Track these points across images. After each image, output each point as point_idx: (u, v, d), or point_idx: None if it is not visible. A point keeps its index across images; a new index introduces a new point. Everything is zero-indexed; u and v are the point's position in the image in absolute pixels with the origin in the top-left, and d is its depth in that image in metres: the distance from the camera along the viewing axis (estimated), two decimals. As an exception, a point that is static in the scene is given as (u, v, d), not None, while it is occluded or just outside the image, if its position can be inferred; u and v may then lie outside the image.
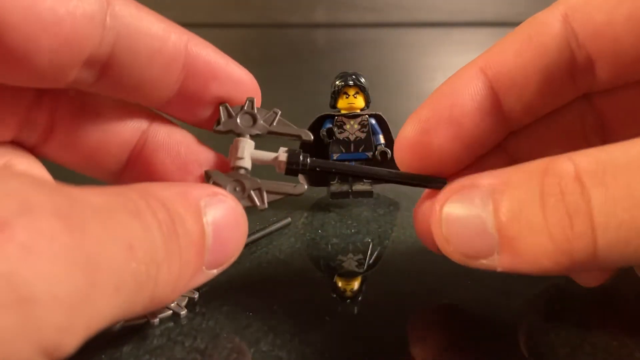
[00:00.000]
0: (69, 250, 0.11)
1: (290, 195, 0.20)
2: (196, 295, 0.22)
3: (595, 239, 0.15)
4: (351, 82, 0.30)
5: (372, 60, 0.75)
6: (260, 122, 0.21)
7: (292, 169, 0.20)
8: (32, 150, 0.20)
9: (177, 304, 0.21)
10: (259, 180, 0.20)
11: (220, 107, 0.20)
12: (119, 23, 0.18)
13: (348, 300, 0.23)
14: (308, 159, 0.21)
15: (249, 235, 0.27)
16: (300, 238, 0.28)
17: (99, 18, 0.17)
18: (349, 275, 0.25)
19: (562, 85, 0.20)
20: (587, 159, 0.16)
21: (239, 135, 0.21)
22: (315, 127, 0.31)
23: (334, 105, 0.31)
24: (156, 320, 0.21)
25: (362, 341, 0.20)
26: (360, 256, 0.26)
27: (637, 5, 0.18)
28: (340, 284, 0.24)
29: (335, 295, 0.23)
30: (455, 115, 0.20)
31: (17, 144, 0.20)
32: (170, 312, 0.21)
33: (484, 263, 0.17)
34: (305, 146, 0.31)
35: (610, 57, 0.19)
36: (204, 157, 0.21)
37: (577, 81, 0.20)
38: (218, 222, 0.17)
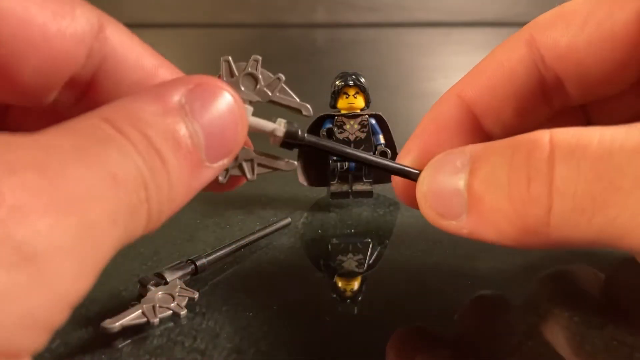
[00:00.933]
0: (56, 199, 0.12)
1: (281, 170, 0.20)
2: (196, 295, 0.22)
3: (551, 204, 0.15)
4: (351, 82, 0.30)
5: (372, 60, 0.75)
6: (263, 87, 0.19)
7: (288, 142, 0.19)
8: (67, 110, 0.19)
9: (177, 304, 0.21)
10: (251, 152, 0.19)
11: (222, 62, 0.19)
12: (107, 48, 0.17)
13: (348, 300, 0.23)
14: (305, 135, 0.20)
15: (249, 235, 0.27)
16: (300, 238, 0.28)
17: (88, 40, 0.17)
18: (349, 275, 0.25)
19: (536, 105, 0.21)
20: (564, 132, 0.16)
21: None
22: (315, 127, 0.31)
23: (334, 105, 0.31)
24: (156, 320, 0.21)
25: (362, 341, 0.20)
26: (360, 256, 0.26)
27: (598, 32, 0.19)
28: (340, 284, 0.24)
29: (335, 295, 0.23)
30: (444, 139, 0.21)
31: None
32: (170, 312, 0.21)
33: (453, 224, 0.18)
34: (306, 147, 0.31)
35: (576, 79, 0.20)
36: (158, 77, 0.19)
37: (551, 99, 0.21)
38: (206, 115, 0.15)
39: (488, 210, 0.17)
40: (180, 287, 0.22)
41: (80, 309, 0.21)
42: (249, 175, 0.19)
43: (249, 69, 0.19)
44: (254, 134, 0.19)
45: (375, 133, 0.31)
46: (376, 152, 0.31)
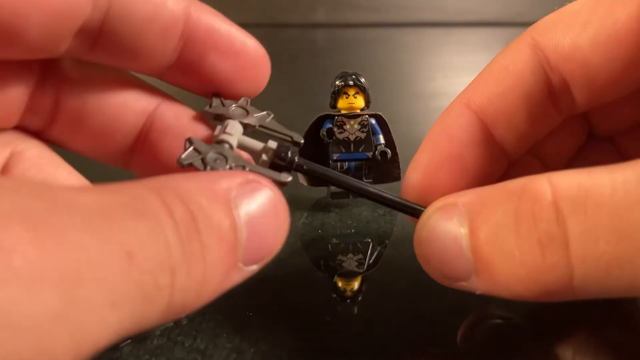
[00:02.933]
0: (36, 265, 0.10)
1: (275, 181, 0.18)
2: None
3: (572, 270, 0.14)
4: (351, 82, 0.30)
5: (372, 60, 0.75)
6: (253, 116, 0.19)
7: (276, 163, 0.18)
8: (37, 135, 0.19)
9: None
10: (243, 160, 0.18)
11: (213, 97, 0.19)
12: None
13: (348, 300, 0.23)
14: (296, 157, 0.19)
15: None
16: (300, 238, 0.28)
17: None
18: (349, 275, 0.25)
19: (545, 110, 0.20)
20: (567, 181, 0.15)
21: (229, 119, 0.19)
22: (315, 127, 0.31)
23: (334, 105, 0.31)
24: (156, 320, 0.21)
25: (362, 341, 0.20)
26: (360, 256, 0.26)
27: (601, 31, 0.18)
28: (340, 284, 0.24)
29: (335, 295, 0.23)
30: (455, 150, 0.20)
31: (22, 129, 0.19)
32: (170, 312, 0.21)
33: (464, 285, 0.17)
34: (305, 146, 0.31)
35: (582, 80, 0.19)
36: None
37: (558, 104, 0.20)
38: (252, 213, 0.14)
39: (500, 275, 0.16)
40: (180, 287, 0.22)
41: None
42: None
43: (240, 102, 0.19)
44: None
45: (375, 133, 0.31)
46: (376, 152, 0.31)
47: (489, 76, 0.20)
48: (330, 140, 0.31)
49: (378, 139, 0.31)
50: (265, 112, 0.20)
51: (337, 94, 0.30)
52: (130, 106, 0.19)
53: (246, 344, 0.20)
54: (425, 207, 0.19)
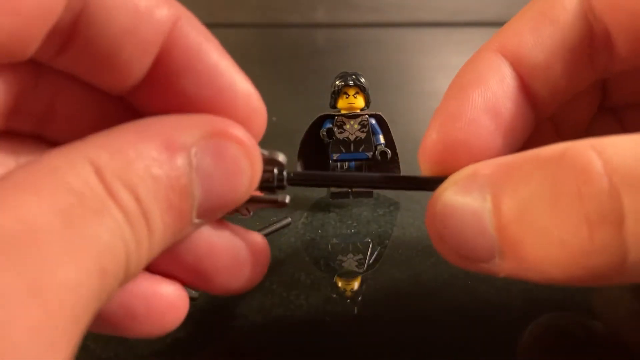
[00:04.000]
0: (8, 285, 0.09)
1: (275, 203, 0.18)
2: (196, 295, 0.22)
3: (626, 252, 0.12)
4: (351, 82, 0.30)
5: (372, 60, 0.75)
6: None
7: (266, 187, 0.17)
8: (48, 62, 0.16)
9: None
10: None
11: None
12: None
13: (348, 300, 0.23)
14: (285, 173, 0.17)
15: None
16: (300, 238, 0.28)
17: None
18: (349, 275, 0.25)
19: (583, 65, 0.18)
20: (618, 150, 0.13)
21: None
22: (315, 127, 0.31)
23: (334, 105, 0.31)
24: (156, 320, 0.21)
25: (362, 341, 0.20)
26: (360, 256, 0.26)
27: None
28: (340, 284, 0.24)
29: (335, 295, 0.23)
30: (490, 102, 0.17)
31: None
32: (170, 312, 0.21)
33: (485, 267, 0.15)
34: (306, 146, 0.31)
35: (628, 32, 0.17)
36: (237, 86, 0.16)
37: (596, 61, 0.18)
38: (211, 176, 0.13)
39: (532, 256, 0.14)
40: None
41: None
42: (244, 214, 0.18)
43: None
44: None
45: (375, 133, 0.31)
46: (376, 152, 0.31)
47: (524, 22, 0.17)
48: (330, 140, 0.31)
49: (378, 139, 0.31)
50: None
51: (337, 94, 0.30)
52: (146, 19, 0.15)
53: (246, 344, 0.20)
54: (441, 178, 0.16)
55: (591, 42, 0.17)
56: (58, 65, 0.16)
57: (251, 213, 0.18)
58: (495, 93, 0.17)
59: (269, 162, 0.17)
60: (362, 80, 0.30)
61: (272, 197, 0.17)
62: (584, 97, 0.20)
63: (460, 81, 0.18)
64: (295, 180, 0.17)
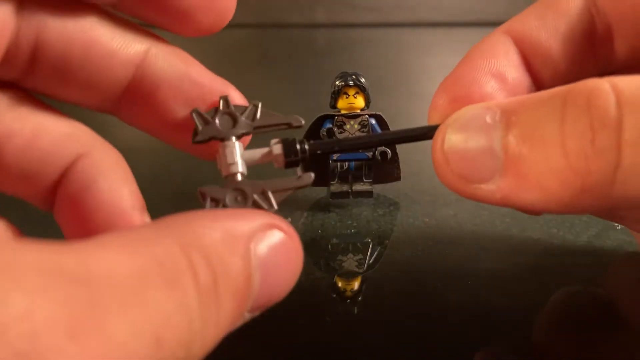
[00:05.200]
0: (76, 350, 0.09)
1: (299, 187, 0.18)
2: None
3: (620, 159, 0.13)
4: (351, 82, 0.30)
5: (372, 60, 0.75)
6: (242, 119, 0.18)
7: (291, 160, 0.18)
8: (14, 83, 0.17)
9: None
10: (260, 182, 0.18)
11: (193, 114, 0.18)
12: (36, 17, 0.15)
13: (348, 300, 0.23)
14: (306, 145, 0.18)
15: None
16: (300, 238, 0.28)
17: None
18: (349, 275, 0.25)
19: (584, 54, 0.19)
20: (627, 81, 0.14)
21: (223, 140, 0.18)
22: (315, 127, 0.31)
23: (334, 105, 0.31)
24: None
25: (362, 341, 0.20)
26: (360, 256, 0.26)
27: None
28: (340, 284, 0.24)
29: (335, 295, 0.23)
30: (495, 68, 0.18)
31: None
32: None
33: (482, 188, 0.16)
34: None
35: (629, 27, 0.18)
36: (213, 90, 0.18)
37: (598, 53, 0.19)
38: (268, 263, 0.14)
39: (533, 170, 0.14)
40: (180, 287, 0.22)
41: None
42: (267, 208, 0.18)
43: (221, 109, 0.18)
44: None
45: (375, 133, 0.31)
46: (376, 152, 0.31)
47: (532, 9, 0.19)
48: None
49: (378, 139, 0.31)
50: (251, 105, 0.18)
51: (337, 94, 0.30)
52: (117, 57, 0.17)
53: (246, 344, 0.20)
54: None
55: (593, 34, 0.18)
56: (26, 84, 0.16)
57: (276, 205, 0.18)
58: (500, 61, 0.19)
59: (285, 126, 0.18)
60: (362, 80, 0.30)
61: (293, 182, 0.18)
62: None
63: (468, 54, 0.19)
64: (316, 152, 0.18)
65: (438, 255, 0.26)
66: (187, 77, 0.17)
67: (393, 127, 0.31)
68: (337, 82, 0.31)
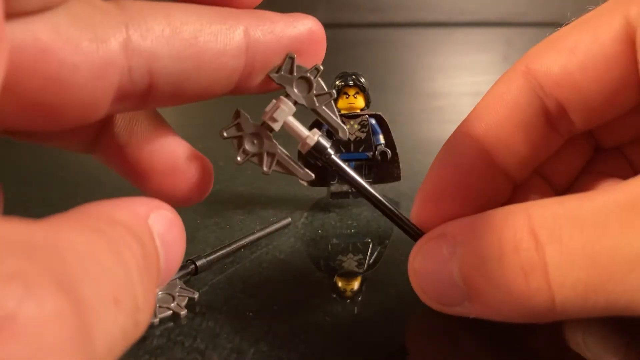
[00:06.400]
0: (74, 332, 0.10)
1: (297, 177, 0.20)
2: (196, 295, 0.22)
3: (553, 296, 0.15)
4: (351, 82, 0.30)
5: (372, 60, 0.75)
6: (313, 95, 0.20)
7: (313, 154, 0.20)
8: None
9: (177, 304, 0.21)
10: (278, 148, 0.20)
11: (287, 57, 0.19)
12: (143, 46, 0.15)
13: (348, 300, 0.23)
14: (332, 155, 0.20)
15: (249, 235, 0.27)
16: (300, 238, 0.28)
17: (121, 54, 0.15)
18: (349, 275, 0.25)
19: (545, 134, 0.20)
20: (542, 212, 0.16)
21: (286, 96, 0.19)
22: (315, 127, 0.31)
23: (334, 105, 0.31)
24: (156, 320, 0.21)
25: (362, 341, 0.20)
26: (360, 256, 0.26)
27: (588, 55, 0.18)
28: (340, 284, 0.24)
29: (335, 295, 0.23)
30: (458, 178, 0.20)
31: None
32: (171, 312, 0.21)
33: (459, 310, 0.18)
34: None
35: (577, 104, 0.19)
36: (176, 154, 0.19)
37: (558, 127, 0.20)
38: (165, 240, 0.15)
39: (491, 302, 0.17)
40: (180, 287, 0.22)
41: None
42: (265, 168, 0.20)
43: (308, 74, 0.19)
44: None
45: (375, 133, 0.31)
46: (376, 152, 0.31)
47: (485, 105, 0.20)
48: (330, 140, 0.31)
49: (378, 139, 0.31)
50: (328, 92, 0.20)
51: (337, 94, 0.30)
52: (226, 53, 0.17)
53: (246, 344, 0.20)
54: (424, 232, 0.20)
55: (547, 114, 0.20)
56: (145, 106, 0.17)
57: (271, 171, 0.20)
58: (463, 169, 0.20)
59: (332, 129, 0.20)
60: (362, 80, 0.30)
61: (298, 170, 0.20)
62: (569, 150, 0.22)
63: (435, 162, 0.21)
64: (330, 166, 0.21)
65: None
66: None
67: (393, 127, 0.31)
68: (337, 82, 0.31)
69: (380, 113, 0.31)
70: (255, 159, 0.20)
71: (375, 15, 0.98)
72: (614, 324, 0.20)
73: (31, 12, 0.13)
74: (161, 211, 0.15)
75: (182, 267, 0.23)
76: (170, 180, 0.19)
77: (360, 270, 0.25)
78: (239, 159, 0.19)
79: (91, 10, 0.14)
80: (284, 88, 0.19)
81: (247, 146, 0.19)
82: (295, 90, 0.19)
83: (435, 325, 0.21)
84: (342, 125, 0.20)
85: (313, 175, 0.20)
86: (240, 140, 0.19)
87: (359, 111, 0.31)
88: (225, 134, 0.19)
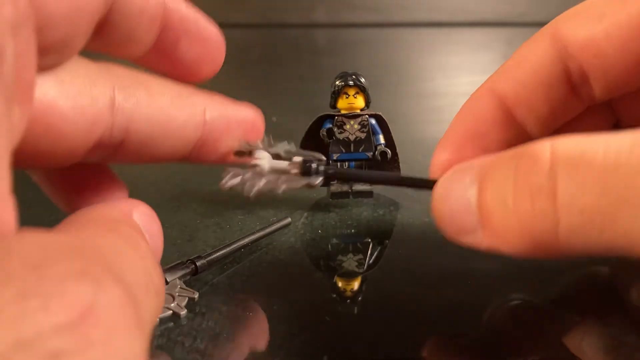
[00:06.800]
0: (133, 315, 0.12)
1: (307, 184, 0.20)
2: (196, 295, 0.22)
3: (558, 219, 0.15)
4: (351, 82, 0.30)
5: (372, 60, 0.75)
6: (276, 146, 0.21)
7: (307, 169, 0.20)
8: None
9: (177, 304, 0.21)
10: (277, 174, 0.20)
11: (240, 142, 0.20)
12: None
13: (348, 300, 0.23)
14: (322, 167, 0.20)
15: (249, 235, 0.27)
16: (300, 238, 0.28)
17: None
18: (349, 275, 0.25)
19: (566, 98, 0.21)
20: (566, 143, 0.16)
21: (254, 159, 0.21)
22: (315, 127, 0.31)
23: (334, 105, 0.31)
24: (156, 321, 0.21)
25: (362, 341, 0.20)
26: (360, 256, 0.26)
27: (614, 23, 0.19)
28: (340, 284, 0.24)
29: (335, 295, 0.23)
30: (481, 129, 0.21)
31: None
32: (171, 312, 0.21)
33: (470, 240, 0.18)
34: (306, 146, 0.31)
35: (599, 71, 0.20)
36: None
37: (578, 93, 0.21)
38: (148, 232, 0.17)
39: (498, 226, 0.17)
40: (180, 287, 0.22)
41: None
42: (275, 190, 0.20)
43: (263, 141, 0.21)
44: None
45: (375, 133, 0.31)
46: (376, 152, 0.31)
47: (512, 63, 0.21)
48: (330, 140, 0.31)
49: (378, 139, 0.31)
50: (285, 142, 0.21)
51: (337, 94, 0.30)
52: (189, 123, 0.19)
53: (246, 344, 0.20)
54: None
55: (569, 78, 0.20)
56: (91, 47, 0.18)
57: (281, 191, 0.20)
58: (485, 122, 0.21)
59: (309, 157, 0.21)
60: (362, 80, 0.30)
61: (306, 180, 0.20)
62: (588, 122, 0.23)
63: (458, 115, 0.22)
64: (329, 173, 0.21)
65: (438, 255, 0.26)
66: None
67: (393, 127, 0.31)
68: (337, 82, 0.31)
69: (380, 113, 0.31)
70: (267, 184, 0.20)
71: (375, 15, 0.98)
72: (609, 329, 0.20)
73: (43, 69, 0.15)
74: (140, 208, 0.18)
75: (182, 267, 0.23)
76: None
77: (360, 270, 0.25)
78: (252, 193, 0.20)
79: (86, 70, 0.17)
80: (249, 156, 0.20)
81: (251, 180, 0.20)
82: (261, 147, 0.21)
83: (435, 325, 0.21)
84: (314, 153, 0.21)
85: (320, 179, 0.20)
86: (243, 178, 0.20)
87: (359, 111, 0.31)
88: (225, 184, 0.20)
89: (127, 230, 0.15)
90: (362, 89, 0.30)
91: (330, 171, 0.20)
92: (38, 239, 0.12)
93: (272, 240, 0.27)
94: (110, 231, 0.15)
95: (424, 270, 0.25)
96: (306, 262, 0.26)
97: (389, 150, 0.31)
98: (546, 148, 0.16)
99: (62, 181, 0.20)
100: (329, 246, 0.27)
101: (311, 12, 0.98)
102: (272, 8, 0.98)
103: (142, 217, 0.17)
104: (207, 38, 0.20)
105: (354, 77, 0.30)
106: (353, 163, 0.31)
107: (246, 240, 0.26)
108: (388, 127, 0.31)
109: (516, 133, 0.21)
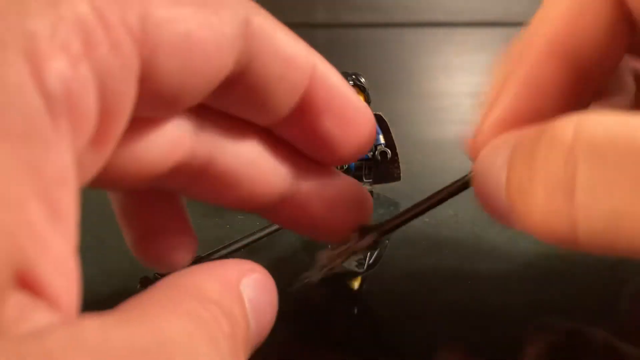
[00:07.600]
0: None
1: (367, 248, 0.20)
2: (196, 296, 0.22)
3: (576, 222, 0.13)
4: (351, 82, 0.30)
5: (372, 60, 0.75)
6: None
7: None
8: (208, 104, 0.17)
9: (177, 304, 0.21)
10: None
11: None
12: (255, 43, 0.16)
13: (348, 300, 0.23)
14: (376, 232, 0.20)
15: (249, 236, 0.27)
16: (300, 238, 0.28)
17: (237, 43, 0.15)
18: (349, 275, 0.25)
19: (620, 32, 0.17)
20: (595, 123, 0.13)
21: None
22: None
23: (334, 105, 0.31)
24: (156, 321, 0.21)
25: (362, 341, 0.20)
26: (360, 256, 0.26)
27: None
28: (340, 284, 0.24)
29: (335, 295, 0.23)
30: (541, 103, 0.18)
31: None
32: (170, 312, 0.21)
33: (508, 219, 0.16)
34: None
35: None
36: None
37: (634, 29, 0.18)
38: (256, 305, 0.14)
39: (522, 214, 0.15)
40: (180, 287, 0.22)
41: (80, 309, 0.21)
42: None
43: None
44: None
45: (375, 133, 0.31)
46: (376, 152, 0.31)
47: (566, 12, 0.18)
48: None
49: (378, 139, 0.31)
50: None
51: (337, 94, 0.30)
52: (274, 176, 0.18)
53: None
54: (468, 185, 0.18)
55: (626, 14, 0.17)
56: (215, 104, 0.17)
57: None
58: (548, 92, 0.18)
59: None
60: (362, 80, 0.30)
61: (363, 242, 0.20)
62: None
63: (510, 76, 0.18)
64: (388, 230, 0.20)
65: (438, 255, 0.26)
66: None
67: (393, 127, 0.31)
68: (337, 82, 0.31)
69: (380, 113, 0.31)
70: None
71: (375, 15, 0.98)
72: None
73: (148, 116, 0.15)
74: (254, 275, 0.15)
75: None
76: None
77: (360, 270, 0.25)
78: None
79: None
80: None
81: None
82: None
83: (435, 325, 0.21)
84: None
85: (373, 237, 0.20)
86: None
87: (359, 111, 0.31)
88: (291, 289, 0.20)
89: (210, 314, 0.12)
90: (362, 89, 0.30)
91: (386, 227, 0.20)
92: (97, 338, 0.10)
93: (272, 240, 0.27)
94: (189, 316, 0.12)
95: (424, 270, 0.25)
96: (306, 262, 0.26)
97: (389, 150, 0.31)
98: (569, 127, 0.13)
99: (134, 210, 0.19)
100: (329, 246, 0.27)
101: (311, 12, 0.98)
102: (272, 8, 0.98)
103: (252, 284, 0.14)
104: (352, 120, 0.18)
105: (354, 77, 0.30)
106: (353, 163, 0.31)
107: (246, 240, 0.26)
108: (388, 127, 0.31)
109: (584, 88, 0.18)
